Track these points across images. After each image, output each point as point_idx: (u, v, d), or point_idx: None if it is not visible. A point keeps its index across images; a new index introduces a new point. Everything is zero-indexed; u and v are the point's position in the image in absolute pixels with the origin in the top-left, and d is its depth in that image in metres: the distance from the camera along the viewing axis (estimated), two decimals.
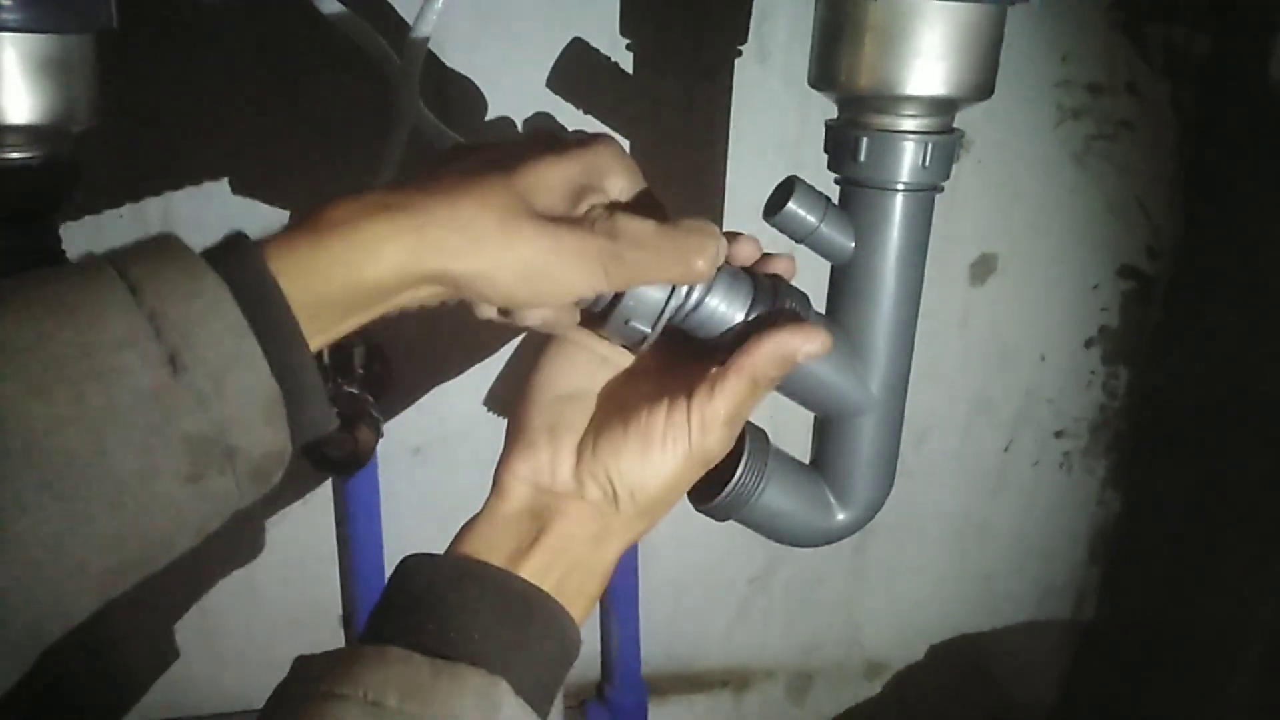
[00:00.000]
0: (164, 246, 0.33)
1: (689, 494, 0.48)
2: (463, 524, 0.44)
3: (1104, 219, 0.97)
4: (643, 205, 0.43)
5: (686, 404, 0.44)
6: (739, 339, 0.45)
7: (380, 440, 0.81)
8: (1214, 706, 0.98)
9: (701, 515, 0.52)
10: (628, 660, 1.01)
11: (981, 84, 0.49)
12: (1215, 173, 0.94)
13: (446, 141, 0.74)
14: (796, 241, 0.51)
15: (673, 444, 0.43)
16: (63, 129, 0.53)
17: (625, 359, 0.48)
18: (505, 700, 0.37)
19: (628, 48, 0.81)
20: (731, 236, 0.46)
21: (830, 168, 0.52)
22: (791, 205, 0.49)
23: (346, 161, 0.79)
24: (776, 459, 0.52)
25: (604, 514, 0.44)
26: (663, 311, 0.44)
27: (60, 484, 0.30)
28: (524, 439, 0.45)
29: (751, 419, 0.52)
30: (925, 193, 0.51)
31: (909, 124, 0.49)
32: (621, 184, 0.43)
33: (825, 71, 0.50)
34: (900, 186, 0.50)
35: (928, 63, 0.47)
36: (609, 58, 0.81)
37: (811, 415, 0.56)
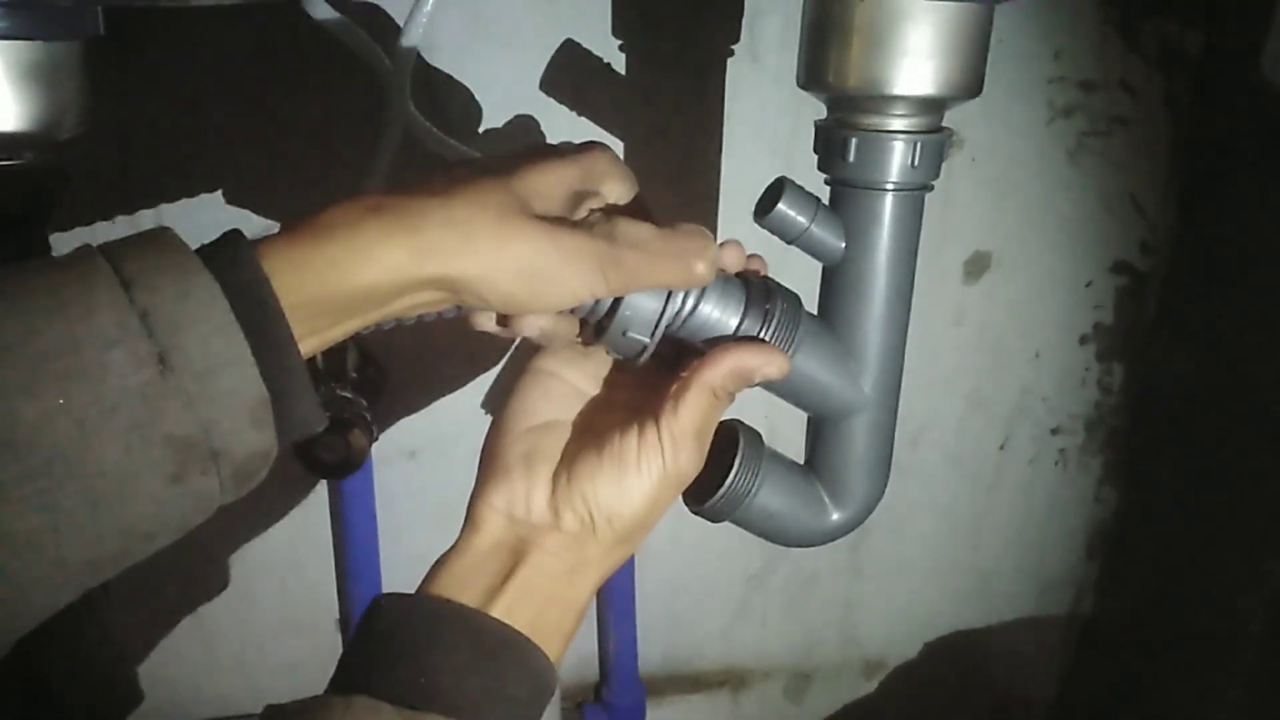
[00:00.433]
0: (159, 242, 0.33)
1: (684, 495, 0.48)
2: (435, 560, 0.44)
3: (1097, 215, 0.97)
4: (638, 213, 0.43)
5: (655, 425, 0.43)
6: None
7: (375, 443, 0.81)
8: (1212, 700, 0.99)
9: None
10: (625, 661, 1.01)
11: (970, 83, 0.49)
12: (1208, 168, 0.94)
13: (438, 145, 0.74)
14: (787, 243, 0.51)
15: (647, 466, 0.43)
16: (50, 136, 0.53)
17: (597, 388, 0.48)
18: None
19: (620, 49, 0.81)
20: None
21: (820, 168, 0.52)
22: (781, 206, 0.49)
23: (338, 167, 0.78)
24: (770, 460, 0.52)
25: (581, 544, 0.44)
26: (660, 319, 0.44)
27: (43, 478, 0.30)
28: (499, 470, 0.45)
29: (746, 420, 0.53)
30: (915, 192, 0.51)
31: (898, 124, 0.49)
32: (618, 190, 0.43)
33: (813, 72, 0.50)
34: (890, 186, 0.50)
35: (915, 62, 0.47)
36: (601, 59, 0.80)
37: (805, 415, 0.56)
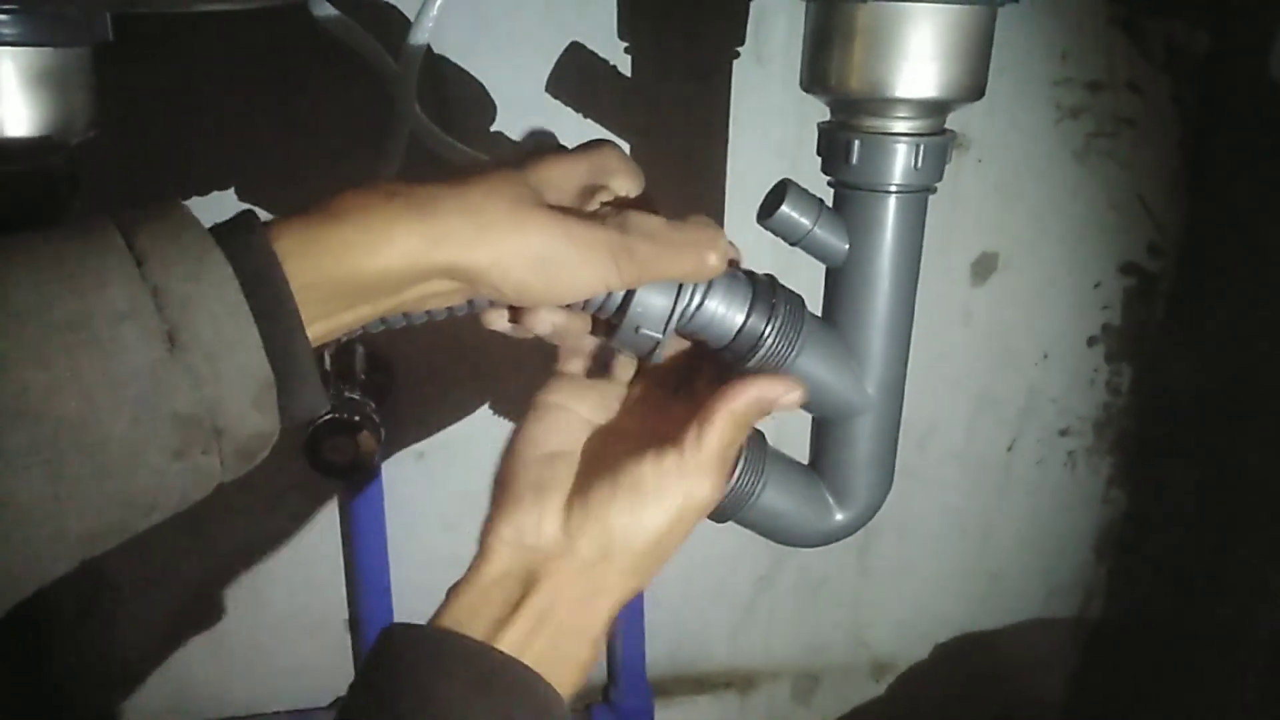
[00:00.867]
0: (171, 216, 0.34)
1: None
2: (447, 590, 0.44)
3: (1105, 216, 0.96)
4: (646, 207, 0.43)
5: (674, 450, 0.44)
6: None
7: (384, 445, 0.81)
8: (1222, 702, 0.98)
9: None
10: (633, 663, 1.01)
11: (972, 85, 0.49)
12: (1217, 169, 0.94)
13: (444, 148, 0.74)
14: (791, 244, 0.51)
15: (663, 492, 0.43)
16: (60, 140, 0.53)
17: (606, 419, 0.49)
18: None
19: (626, 51, 0.81)
20: None
21: (823, 170, 0.52)
22: (785, 209, 0.49)
23: (345, 169, 0.79)
24: (774, 460, 0.52)
25: (596, 572, 0.44)
26: (672, 313, 0.44)
27: (49, 448, 0.30)
28: (510, 499, 0.45)
29: None
30: (918, 194, 0.51)
31: (901, 126, 0.49)
32: (627, 185, 0.44)
33: (816, 75, 0.51)
34: (893, 188, 0.50)
35: (918, 65, 0.47)
36: (607, 61, 0.81)
37: (810, 416, 0.56)
